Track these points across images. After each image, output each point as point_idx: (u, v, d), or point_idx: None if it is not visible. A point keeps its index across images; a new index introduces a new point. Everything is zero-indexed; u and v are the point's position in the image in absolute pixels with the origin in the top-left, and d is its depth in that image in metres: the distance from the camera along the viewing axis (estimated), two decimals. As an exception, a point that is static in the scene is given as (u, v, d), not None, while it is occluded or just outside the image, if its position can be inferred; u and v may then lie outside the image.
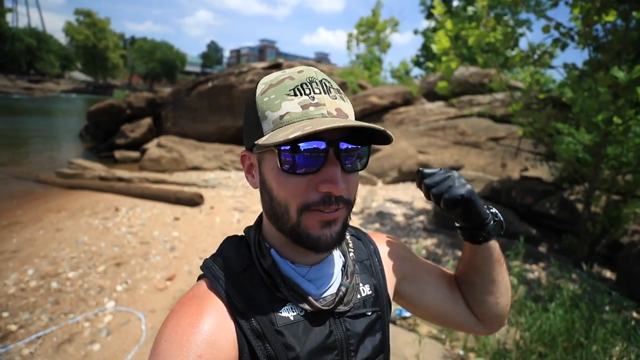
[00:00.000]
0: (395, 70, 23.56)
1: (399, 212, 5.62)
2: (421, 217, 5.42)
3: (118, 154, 9.79)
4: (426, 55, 24.53)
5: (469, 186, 0.64)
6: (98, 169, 7.74)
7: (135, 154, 9.68)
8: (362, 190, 6.90)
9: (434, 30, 20.66)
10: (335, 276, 0.61)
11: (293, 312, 0.55)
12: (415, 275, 0.75)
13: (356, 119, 0.54)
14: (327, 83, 0.53)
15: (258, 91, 0.54)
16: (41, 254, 3.94)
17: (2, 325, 2.77)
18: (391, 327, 2.72)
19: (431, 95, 11.51)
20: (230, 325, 0.52)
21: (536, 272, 3.67)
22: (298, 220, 0.52)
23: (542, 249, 4.40)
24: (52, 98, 38.61)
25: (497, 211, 0.71)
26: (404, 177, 7.60)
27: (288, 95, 0.51)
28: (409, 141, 8.77)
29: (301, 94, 0.50)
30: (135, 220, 5.00)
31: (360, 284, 0.64)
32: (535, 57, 3.54)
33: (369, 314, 0.62)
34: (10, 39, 48.26)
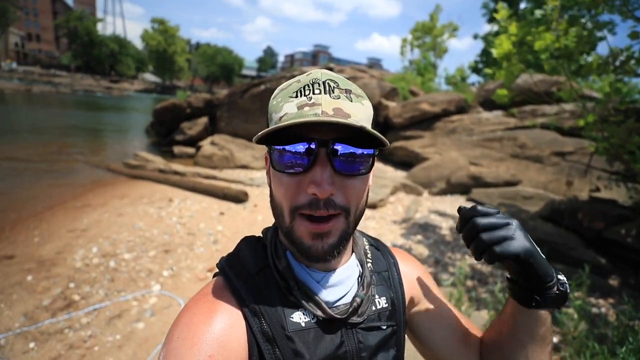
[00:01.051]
0: (450, 77, 22.53)
1: (444, 225, 5.31)
2: (468, 233, 5.06)
3: (176, 149, 10.60)
4: (485, 61, 23.11)
5: (528, 244, 0.53)
6: (158, 162, 8.44)
7: (191, 150, 10.41)
8: (405, 199, 6.66)
9: (496, 34, 19.41)
10: (351, 285, 0.60)
11: (305, 317, 0.55)
12: (430, 309, 0.69)
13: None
14: (331, 83, 0.51)
15: (272, 96, 0.56)
16: (104, 234, 4.38)
17: (68, 294, 3.12)
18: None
19: (489, 103, 10.78)
20: (242, 325, 0.51)
21: (603, 308, 3.21)
22: (291, 224, 0.52)
23: (613, 282, 3.84)
24: (126, 96, 43.20)
25: (565, 280, 0.58)
26: (452, 188, 7.19)
27: (290, 97, 0.51)
28: (461, 151, 8.29)
29: (301, 95, 0.51)
30: (185, 212, 5.35)
31: (377, 296, 0.62)
32: (617, 63, 3.11)
33: (384, 327, 0.60)
34: (98, 45, 55.11)
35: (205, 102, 11.96)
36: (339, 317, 0.55)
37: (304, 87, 0.51)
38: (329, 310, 0.54)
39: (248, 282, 0.55)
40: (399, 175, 8.65)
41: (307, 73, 0.55)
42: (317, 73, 0.54)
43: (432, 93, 12.43)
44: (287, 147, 0.50)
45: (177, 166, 8.14)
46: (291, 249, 0.57)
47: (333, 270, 0.59)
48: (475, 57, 25.22)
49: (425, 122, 10.23)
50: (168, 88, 55.91)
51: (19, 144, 10.33)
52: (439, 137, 9.51)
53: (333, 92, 0.50)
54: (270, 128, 0.47)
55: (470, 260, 4.20)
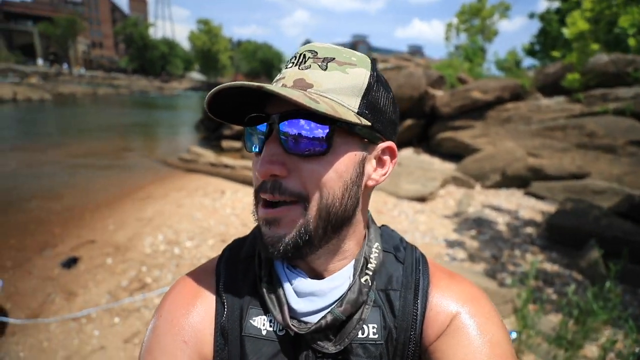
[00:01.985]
0: (501, 61, 20.93)
1: (500, 221, 5.00)
2: (529, 229, 4.72)
3: (224, 143, 11.10)
4: (544, 42, 21.08)
5: None
6: (209, 156, 8.92)
7: (237, 144, 10.84)
8: (456, 193, 6.37)
9: (557, 12, 17.59)
10: (335, 299, 0.47)
11: (269, 326, 0.47)
12: None
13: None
14: (307, 54, 0.46)
15: None
16: (167, 223, 4.74)
17: (142, 277, 3.44)
18: None
19: (549, 89, 9.87)
20: (213, 314, 0.49)
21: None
22: (256, 209, 0.48)
23: None
24: (175, 95, 46.04)
25: None
26: (508, 182, 6.73)
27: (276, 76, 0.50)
28: (517, 142, 7.71)
29: (278, 72, 0.49)
30: (237, 204, 5.61)
31: (365, 323, 0.47)
32: None
33: None
34: (151, 48, 59.20)
35: (250, 97, 12.35)
36: (296, 330, 0.44)
37: (285, 63, 0.49)
38: (287, 319, 0.45)
39: (230, 268, 0.52)
40: (448, 167, 8.27)
41: None
42: (303, 47, 0.49)
43: (482, 79, 11.65)
44: (250, 128, 0.48)
45: (226, 159, 8.53)
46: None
47: (322, 275, 0.49)
48: (531, 38, 23.10)
49: (476, 111, 9.63)
50: (213, 85, 58.27)
51: (90, 142, 11.52)
52: (491, 127, 8.91)
53: (304, 63, 0.46)
54: (211, 92, 0.42)
55: (530, 258, 3.92)
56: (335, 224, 0.46)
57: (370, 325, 0.47)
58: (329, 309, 0.46)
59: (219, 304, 0.49)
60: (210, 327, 0.48)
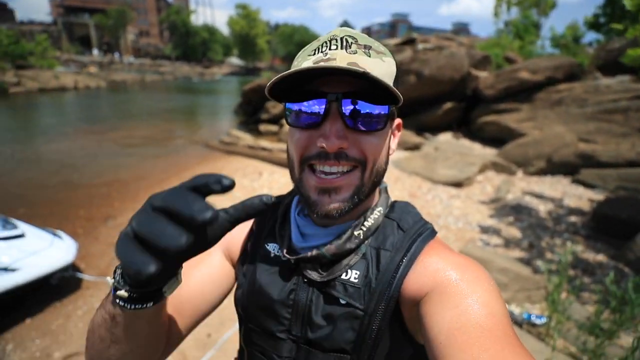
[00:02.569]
0: (558, 37, 19.04)
1: (542, 209, 4.79)
2: (573, 218, 4.48)
3: (262, 127, 11.46)
4: (611, 13, 18.77)
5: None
6: (247, 139, 9.31)
7: (274, 128, 11.15)
8: (495, 179, 6.14)
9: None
10: (328, 241, 0.57)
11: (277, 252, 0.61)
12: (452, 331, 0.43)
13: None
14: (349, 39, 0.51)
15: (296, 56, 0.57)
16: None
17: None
18: (516, 330, 2.47)
19: (611, 67, 8.91)
20: (247, 232, 0.69)
21: None
22: (300, 176, 0.55)
23: None
24: (216, 80, 47.61)
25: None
26: (553, 169, 6.34)
27: (309, 55, 0.52)
28: (568, 126, 7.15)
29: (318, 52, 0.51)
30: (274, 184, 5.88)
31: (351, 268, 0.55)
32: None
33: (343, 303, 0.53)
34: (193, 35, 61.26)
35: (287, 82, 12.52)
36: (288, 257, 0.57)
37: (322, 45, 0.51)
38: (284, 249, 0.58)
39: (271, 207, 0.58)
40: (489, 152, 7.92)
41: (328, 32, 0.55)
42: (337, 30, 0.53)
43: (533, 59, 10.78)
44: (300, 104, 0.51)
45: (264, 143, 8.86)
46: (302, 203, 0.60)
47: (327, 226, 0.58)
48: (595, 9, 20.67)
49: (523, 93, 9.00)
50: (251, 70, 59.65)
51: (141, 126, 12.47)
52: (539, 110, 8.32)
53: (350, 47, 0.50)
54: (277, 77, 0.47)
55: (576, 247, 3.75)
56: (376, 183, 0.56)
57: (354, 271, 0.54)
58: (317, 247, 0.56)
59: (251, 230, 0.68)
60: (240, 241, 0.68)
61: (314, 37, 66.20)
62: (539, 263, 3.40)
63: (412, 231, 0.56)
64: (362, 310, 0.52)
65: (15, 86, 21.18)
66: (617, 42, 9.54)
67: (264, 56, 65.42)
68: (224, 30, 69.30)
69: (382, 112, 0.51)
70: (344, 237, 0.55)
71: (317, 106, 0.50)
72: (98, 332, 0.49)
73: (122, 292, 0.41)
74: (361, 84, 0.49)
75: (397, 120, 0.62)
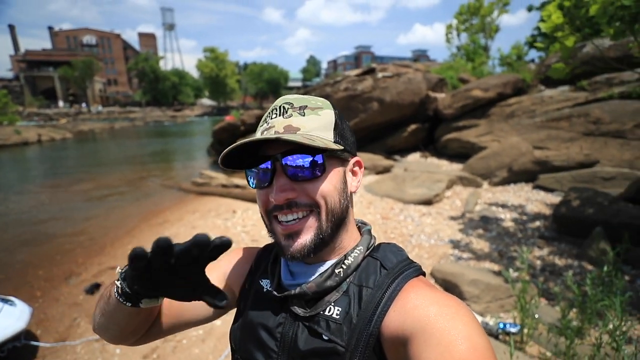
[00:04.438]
0: (505, 57, 20.79)
1: (507, 217, 4.98)
2: (537, 223, 4.68)
3: (235, 164, 11.45)
4: (545, 34, 20.83)
5: None
6: (220, 178, 9.23)
7: (247, 164, 11.16)
8: (463, 192, 6.37)
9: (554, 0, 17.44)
10: (312, 278, 0.62)
11: (269, 288, 0.66)
12: None
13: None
14: (285, 106, 0.60)
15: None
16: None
17: (158, 298, 3.63)
18: (492, 342, 2.47)
19: (553, 80, 9.76)
20: (247, 269, 0.75)
21: None
22: (271, 227, 0.62)
23: None
24: (188, 122, 47.66)
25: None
26: (515, 177, 6.68)
27: (260, 126, 0.62)
28: (522, 136, 7.65)
29: (263, 123, 0.62)
30: (248, 221, 5.80)
31: (333, 304, 0.58)
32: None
33: (325, 338, 0.55)
34: (162, 80, 61.90)
35: (257, 117, 12.77)
36: (275, 293, 0.61)
37: (267, 115, 0.62)
38: (274, 286, 0.64)
39: (262, 252, 0.75)
40: (455, 168, 8.26)
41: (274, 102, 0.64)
42: (278, 100, 0.63)
43: (484, 78, 11.65)
44: (253, 169, 0.60)
45: (237, 180, 8.81)
46: (277, 248, 0.65)
47: (312, 263, 0.63)
48: (532, 30, 22.91)
49: (478, 109, 9.63)
50: (223, 109, 60.30)
51: (108, 174, 12.11)
52: (495, 124, 8.88)
53: (286, 113, 0.59)
54: (223, 152, 0.56)
55: (541, 251, 3.89)
56: (337, 222, 0.60)
57: (337, 308, 0.57)
58: (301, 284, 0.60)
59: (250, 268, 0.74)
60: (243, 276, 0.74)
61: (282, 73, 68.59)
62: (509, 270, 3.48)
63: (395, 270, 0.58)
64: (343, 347, 0.53)
65: (-29, 145, 20.23)
66: (554, 58, 10.55)
67: (235, 95, 66.68)
68: (194, 73, 70.59)
69: (318, 161, 0.57)
70: (325, 275, 0.59)
71: (266, 168, 0.59)
72: (100, 301, 0.66)
73: (117, 283, 0.56)
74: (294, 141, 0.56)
75: (354, 159, 0.66)
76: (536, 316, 2.49)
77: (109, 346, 2.91)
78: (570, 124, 7.38)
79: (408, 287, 0.55)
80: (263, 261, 0.73)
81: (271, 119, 0.60)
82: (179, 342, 2.88)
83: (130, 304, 0.56)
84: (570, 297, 2.58)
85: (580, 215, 4.01)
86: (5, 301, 3.02)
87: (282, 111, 0.60)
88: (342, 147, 0.60)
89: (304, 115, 0.59)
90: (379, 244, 0.65)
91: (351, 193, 0.65)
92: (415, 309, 0.50)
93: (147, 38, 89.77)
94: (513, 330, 2.62)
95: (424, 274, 0.61)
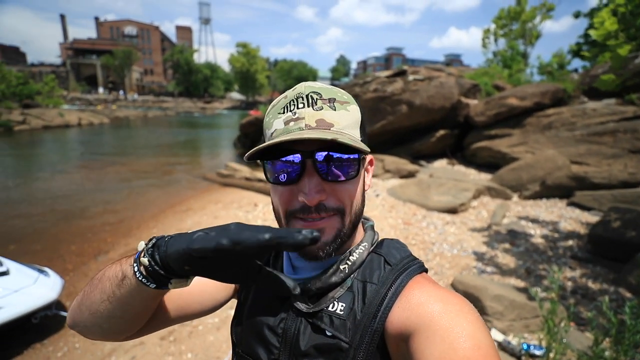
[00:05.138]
0: (544, 65, 19.81)
1: (537, 233, 4.73)
2: (570, 242, 4.41)
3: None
4: (593, 42, 19.64)
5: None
6: (245, 171, 9.40)
7: (271, 159, 11.29)
8: (490, 204, 6.12)
9: (606, 6, 16.39)
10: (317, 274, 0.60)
11: None
12: None
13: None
14: (314, 96, 0.55)
15: (266, 112, 0.60)
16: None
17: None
18: (515, 362, 2.35)
19: (597, 92, 9.18)
20: None
21: None
22: (287, 225, 0.57)
23: None
24: (217, 115, 48.95)
25: None
26: (548, 192, 6.33)
27: (279, 113, 0.56)
28: (559, 149, 7.24)
29: (287, 111, 0.55)
30: (269, 215, 5.86)
31: (337, 300, 0.56)
32: None
33: (329, 334, 0.54)
34: (195, 72, 63.92)
35: (283, 114, 12.88)
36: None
37: (290, 103, 0.55)
38: None
39: None
40: (483, 178, 7.96)
41: (292, 88, 0.58)
42: (301, 87, 0.56)
43: (521, 86, 11.14)
44: (277, 162, 0.54)
45: (261, 174, 8.94)
46: None
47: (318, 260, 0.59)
48: (577, 38, 21.67)
49: (513, 118, 9.22)
50: (251, 104, 61.44)
51: (140, 160, 12.65)
52: (530, 135, 8.47)
53: (316, 104, 0.54)
54: (255, 148, 0.52)
55: (573, 272, 3.66)
56: (356, 223, 0.59)
57: (340, 304, 0.56)
58: (305, 279, 0.59)
59: None
60: None
61: (311, 71, 69.01)
62: (537, 289, 3.30)
63: (398, 266, 0.57)
64: (347, 343, 0.53)
65: (20, 124, 21.78)
66: (600, 68, 9.91)
67: (263, 90, 67.74)
68: (225, 67, 72.40)
69: (353, 161, 0.54)
70: (330, 271, 0.58)
71: (293, 162, 0.53)
72: (102, 285, 0.55)
73: (145, 260, 0.48)
74: (334, 133, 0.52)
75: (369, 157, 0.64)
76: (564, 340, 2.34)
77: (129, 324, 3.03)
78: (614, 139, 6.90)
79: (412, 283, 0.55)
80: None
81: (298, 108, 0.54)
82: (195, 327, 2.95)
83: (155, 286, 0.49)
84: (604, 324, 2.41)
85: (621, 238, 3.74)
86: (41, 271, 3.21)
87: (310, 101, 0.54)
88: (368, 148, 0.56)
89: (335, 110, 0.55)
90: (382, 240, 0.65)
91: (365, 191, 0.63)
92: (419, 305, 0.50)
93: (184, 31, 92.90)
94: (538, 352, 2.48)
95: (426, 271, 0.60)
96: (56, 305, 3.14)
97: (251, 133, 13.46)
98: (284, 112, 0.55)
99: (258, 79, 61.98)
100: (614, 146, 6.81)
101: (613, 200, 5.39)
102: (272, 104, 0.59)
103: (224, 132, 24.58)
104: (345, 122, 0.55)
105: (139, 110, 42.90)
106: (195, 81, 64.35)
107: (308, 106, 0.54)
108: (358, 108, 0.58)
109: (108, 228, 5.63)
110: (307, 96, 0.54)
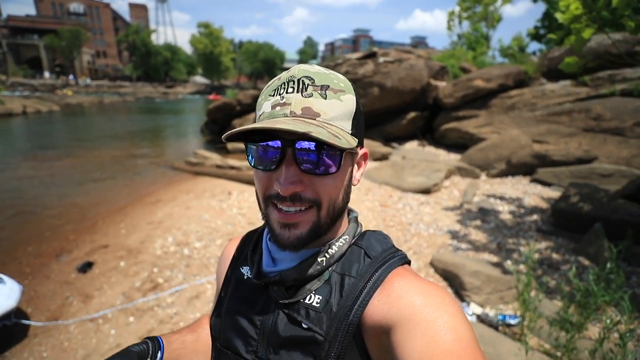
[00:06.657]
0: (505, 48, 20.61)
1: (505, 209, 5.00)
2: (534, 216, 4.70)
3: (230, 145, 11.22)
4: (548, 25, 20.66)
5: None
6: (215, 158, 9.05)
7: (243, 146, 10.96)
8: (461, 183, 6.36)
9: (561, -6, 17.18)
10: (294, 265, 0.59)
11: (249, 275, 0.65)
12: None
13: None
14: (306, 81, 0.52)
15: (261, 92, 0.58)
16: (176, 225, 4.87)
17: (154, 277, 3.56)
18: (492, 333, 2.49)
19: (554, 73, 9.71)
20: (231, 256, 0.73)
21: None
22: (266, 211, 0.56)
23: None
24: (181, 100, 46.50)
25: None
26: (513, 170, 6.69)
27: (270, 95, 0.54)
28: (522, 129, 7.63)
29: (276, 94, 0.53)
30: (244, 203, 5.71)
31: (314, 293, 0.55)
32: None
33: (305, 327, 0.53)
34: (154, 54, 59.79)
35: (253, 98, 12.45)
36: (254, 279, 0.61)
37: (281, 85, 0.53)
38: (253, 272, 0.62)
39: (244, 239, 0.74)
40: (453, 158, 8.25)
41: (288, 70, 0.55)
42: (296, 70, 0.54)
43: (485, 68, 11.52)
44: (258, 146, 0.53)
45: (232, 161, 8.65)
46: (269, 233, 0.60)
47: (297, 251, 0.58)
48: (535, 22, 22.67)
49: (479, 100, 9.55)
50: (216, 88, 58.93)
51: (99, 150, 11.77)
52: (495, 115, 8.84)
53: (306, 90, 0.51)
54: (237, 129, 0.50)
55: (539, 245, 3.92)
56: (335, 218, 0.57)
57: (317, 296, 0.55)
58: (282, 271, 0.58)
59: (234, 255, 0.73)
60: (226, 268, 0.73)
61: (278, 53, 66.97)
62: (508, 263, 3.50)
63: (379, 259, 0.56)
64: (322, 335, 0.52)
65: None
66: (557, 51, 10.45)
67: (229, 74, 65.05)
68: (187, 48, 68.35)
69: (334, 155, 0.51)
70: (307, 263, 0.57)
71: (273, 149, 0.51)
72: None
73: None
74: (316, 125, 0.49)
75: (363, 151, 0.61)
76: (537, 310, 2.50)
77: (103, 326, 2.85)
78: (570, 119, 7.38)
79: (392, 276, 0.54)
80: (245, 248, 0.71)
81: (287, 92, 0.52)
82: (175, 324, 2.83)
83: None
84: (570, 291, 2.60)
85: (580, 211, 4.04)
86: (-6, 278, 2.91)
87: (301, 87, 0.51)
88: (356, 142, 0.54)
89: (325, 98, 0.51)
90: (364, 232, 0.63)
91: (352, 186, 0.61)
92: (400, 298, 0.50)
93: (138, 9, 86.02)
94: (513, 322, 2.65)
95: (409, 263, 0.59)
96: (15, 314, 2.88)
97: (219, 119, 12.94)
98: (274, 95, 0.53)
99: (223, 61, 59.31)
100: (570, 125, 7.29)
101: (570, 176, 5.80)
102: (268, 83, 0.57)
103: (190, 118, 23.47)
104: (334, 112, 0.52)
105: (94, 96, 39.69)
106: (154, 64, 60.28)
107: (297, 92, 0.51)
108: (354, 98, 0.55)
109: (69, 225, 5.21)
110: (298, 80, 0.52)
